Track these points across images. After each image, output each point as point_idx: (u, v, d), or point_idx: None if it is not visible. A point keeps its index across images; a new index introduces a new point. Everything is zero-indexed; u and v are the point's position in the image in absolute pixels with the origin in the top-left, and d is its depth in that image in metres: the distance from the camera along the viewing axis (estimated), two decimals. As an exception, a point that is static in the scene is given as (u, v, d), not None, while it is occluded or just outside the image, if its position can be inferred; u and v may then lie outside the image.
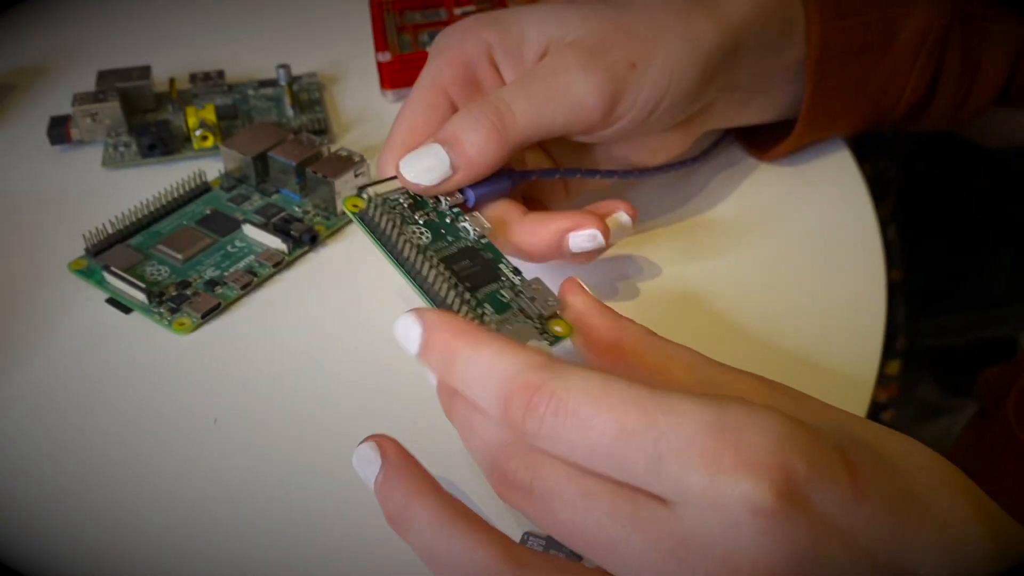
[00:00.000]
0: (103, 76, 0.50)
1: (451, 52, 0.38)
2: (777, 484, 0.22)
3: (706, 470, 0.22)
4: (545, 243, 0.35)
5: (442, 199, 0.35)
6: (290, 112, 0.50)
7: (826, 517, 0.22)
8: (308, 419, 0.35)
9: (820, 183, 0.46)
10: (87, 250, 0.41)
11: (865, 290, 0.41)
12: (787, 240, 0.43)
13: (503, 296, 0.33)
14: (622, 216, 0.37)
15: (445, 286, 0.32)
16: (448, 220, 0.35)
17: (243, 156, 0.44)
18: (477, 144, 0.35)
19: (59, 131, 0.48)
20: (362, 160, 0.43)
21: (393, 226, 0.33)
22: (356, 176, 0.43)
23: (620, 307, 0.37)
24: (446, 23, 0.55)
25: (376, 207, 0.34)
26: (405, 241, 0.33)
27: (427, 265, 0.32)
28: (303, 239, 0.42)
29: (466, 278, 0.33)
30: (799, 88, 0.44)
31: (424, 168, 0.34)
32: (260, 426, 0.35)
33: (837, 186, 0.46)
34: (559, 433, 0.23)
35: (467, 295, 0.32)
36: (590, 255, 0.37)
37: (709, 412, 0.23)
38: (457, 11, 0.56)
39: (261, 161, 0.44)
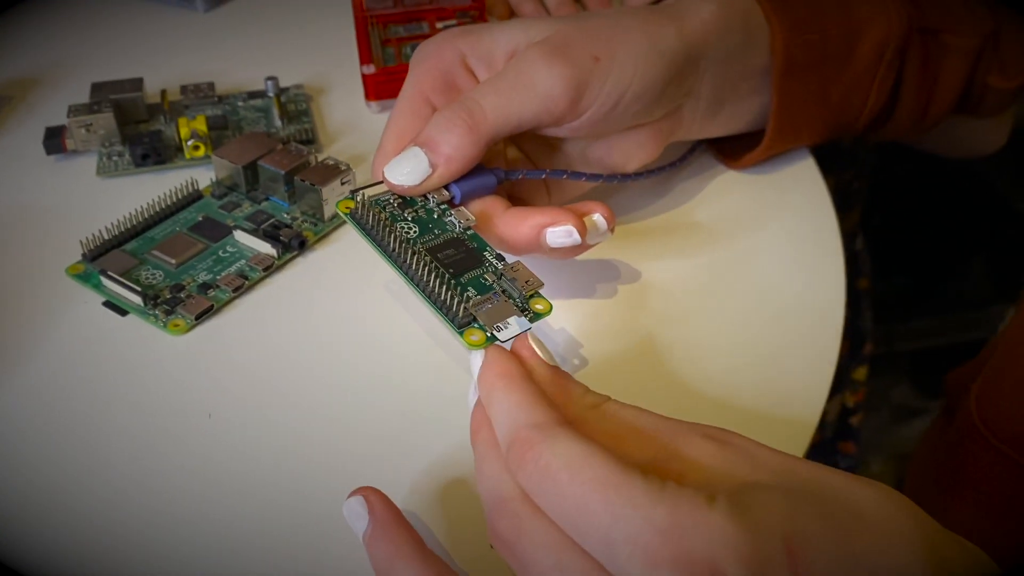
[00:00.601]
0: (97, 88, 0.52)
1: (429, 62, 0.40)
2: None
3: (646, 568, 0.24)
4: (524, 236, 0.38)
5: (430, 197, 0.38)
6: (278, 123, 0.52)
7: None
8: (298, 415, 0.37)
9: (786, 193, 0.48)
10: (84, 255, 0.43)
11: (826, 297, 0.42)
12: (753, 246, 0.45)
13: (486, 280, 0.35)
14: (597, 217, 0.39)
15: (429, 273, 0.34)
16: (435, 216, 0.37)
17: (234, 165, 0.46)
18: (452, 142, 0.37)
19: (54, 141, 0.50)
20: (348, 168, 0.45)
21: (381, 223, 0.36)
22: (343, 184, 0.45)
23: (592, 306, 0.39)
24: (428, 36, 0.57)
25: (366, 207, 0.36)
26: (392, 235, 0.35)
27: (412, 255, 0.35)
28: (292, 244, 0.44)
29: (450, 265, 0.35)
30: (763, 99, 0.46)
31: (406, 171, 0.37)
32: (252, 422, 0.37)
33: (802, 197, 0.48)
34: (540, 490, 0.26)
35: (451, 281, 0.35)
36: (568, 251, 0.39)
37: (660, 508, 0.24)
38: (439, 24, 0.58)
39: (251, 170, 0.46)
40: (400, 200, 0.38)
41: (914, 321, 1.22)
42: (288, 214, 0.46)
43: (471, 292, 0.34)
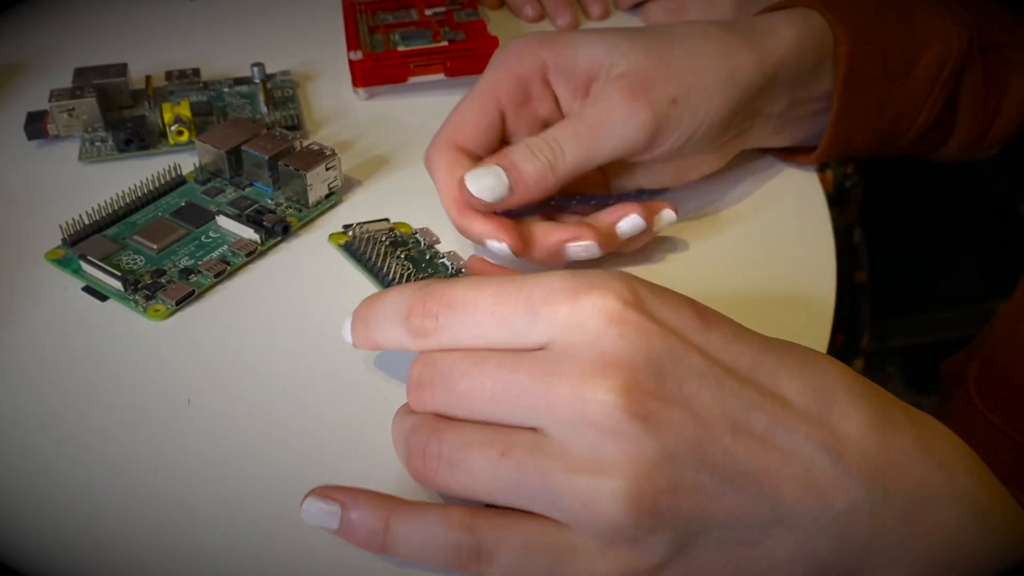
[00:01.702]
0: (80, 73, 0.51)
1: (508, 65, 0.42)
2: (625, 295, 0.27)
3: (568, 302, 0.27)
4: (546, 251, 0.40)
5: (420, 239, 0.41)
6: (264, 109, 0.52)
7: (676, 332, 0.27)
8: (279, 402, 0.36)
9: (779, 184, 0.47)
10: (64, 240, 0.42)
11: (817, 290, 0.42)
12: (747, 238, 0.45)
13: None
14: (665, 212, 0.41)
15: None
16: (428, 257, 0.40)
17: (217, 150, 0.45)
18: (533, 176, 0.39)
19: (36, 126, 0.49)
20: (333, 154, 0.45)
21: (378, 255, 0.39)
22: (327, 169, 0.45)
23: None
24: (417, 24, 0.57)
25: (361, 240, 0.39)
26: (388, 264, 0.38)
27: (405, 279, 0.37)
28: (275, 230, 0.43)
29: None
30: (821, 119, 0.45)
31: (487, 186, 0.38)
32: (232, 408, 0.36)
33: (794, 188, 0.47)
34: (452, 321, 0.29)
35: None
36: (633, 241, 0.41)
37: (567, 272, 0.28)
38: (428, 12, 0.57)
39: (235, 155, 0.46)
40: (391, 240, 0.41)
41: (908, 317, 1.22)
42: (272, 200, 0.45)
43: None
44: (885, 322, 1.18)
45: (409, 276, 0.38)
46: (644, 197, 0.43)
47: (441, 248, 0.42)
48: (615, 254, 0.41)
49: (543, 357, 0.27)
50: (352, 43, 0.54)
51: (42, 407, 0.36)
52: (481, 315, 0.28)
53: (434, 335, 0.29)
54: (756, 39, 0.42)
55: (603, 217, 0.40)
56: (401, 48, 0.54)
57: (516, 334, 0.28)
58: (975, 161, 0.51)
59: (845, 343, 0.86)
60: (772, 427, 0.26)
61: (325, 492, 0.30)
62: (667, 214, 0.41)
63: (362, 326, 0.32)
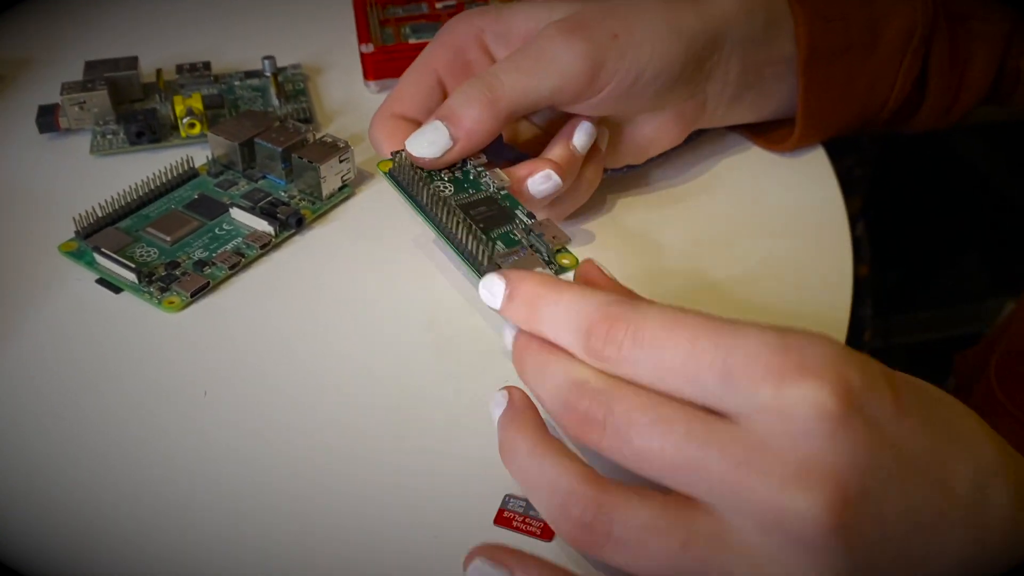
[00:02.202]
0: (91, 66, 0.51)
1: (444, 36, 0.42)
2: (839, 391, 0.24)
3: (773, 382, 0.24)
4: (514, 190, 0.39)
5: (467, 160, 0.39)
6: (275, 102, 0.52)
7: (877, 426, 0.25)
8: (294, 393, 0.36)
9: (793, 177, 0.47)
10: (77, 232, 0.42)
11: (832, 284, 0.41)
12: (758, 230, 0.44)
13: (515, 235, 0.36)
14: (577, 140, 0.40)
15: (458, 225, 0.35)
16: (472, 177, 0.39)
17: (230, 142, 0.45)
18: (473, 116, 0.38)
19: (47, 119, 0.49)
20: (346, 146, 0.45)
21: (419, 179, 0.38)
22: (341, 161, 0.44)
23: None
24: (427, 17, 0.56)
25: (404, 166, 0.38)
26: (427, 191, 0.37)
27: (445, 210, 0.36)
28: (289, 222, 0.43)
29: (480, 220, 0.36)
30: (788, 85, 0.45)
31: (427, 141, 0.38)
32: (248, 400, 0.36)
33: (809, 181, 0.47)
34: (636, 356, 0.26)
35: (480, 234, 0.36)
36: (552, 197, 0.40)
37: (771, 334, 0.25)
38: (438, 5, 0.57)
39: (248, 147, 0.45)
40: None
41: (911, 314, 1.22)
42: (285, 192, 0.45)
43: (500, 246, 0.36)
44: (890, 319, 1.18)
45: (447, 199, 0.37)
46: (609, 174, 0.44)
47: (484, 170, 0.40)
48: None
49: (739, 438, 0.25)
50: (363, 36, 0.54)
51: (57, 399, 0.36)
52: (671, 361, 0.25)
53: (614, 364, 0.26)
54: (699, 1, 0.42)
55: (555, 142, 0.40)
56: (412, 41, 0.54)
57: (707, 394, 0.25)
58: (942, 130, 0.50)
59: (848, 338, 0.86)
60: (938, 520, 0.26)
61: (493, 554, 0.27)
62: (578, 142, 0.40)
63: (526, 309, 0.29)
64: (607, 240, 0.43)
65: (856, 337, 0.89)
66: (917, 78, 0.46)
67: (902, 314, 1.20)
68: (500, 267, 0.34)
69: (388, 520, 0.32)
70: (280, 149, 0.44)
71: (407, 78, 0.42)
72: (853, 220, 0.87)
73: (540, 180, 0.39)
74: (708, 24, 0.41)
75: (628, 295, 0.31)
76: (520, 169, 0.39)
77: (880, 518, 0.24)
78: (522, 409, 0.29)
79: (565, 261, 0.36)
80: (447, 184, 0.38)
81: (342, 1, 0.58)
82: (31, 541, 0.31)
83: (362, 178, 0.46)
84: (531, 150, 0.42)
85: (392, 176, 0.38)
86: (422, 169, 0.38)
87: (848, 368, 0.24)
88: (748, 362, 0.24)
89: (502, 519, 0.31)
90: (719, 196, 0.46)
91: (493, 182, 0.38)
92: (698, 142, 0.48)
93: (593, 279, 0.32)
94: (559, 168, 0.39)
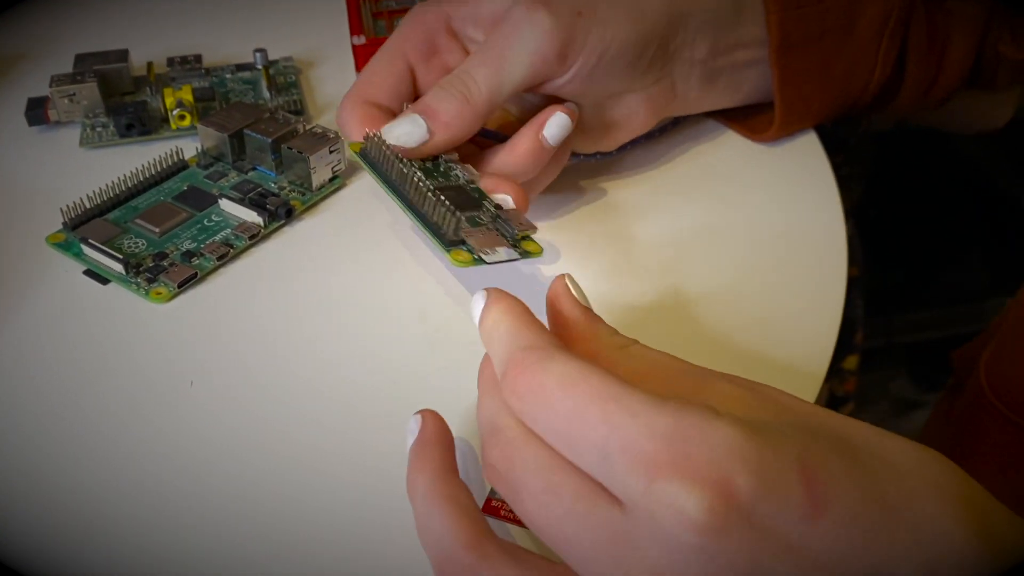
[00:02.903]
0: (80, 59, 0.51)
1: (412, 21, 0.42)
2: (714, 500, 0.21)
3: (644, 476, 0.22)
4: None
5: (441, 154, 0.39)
6: (267, 94, 0.51)
7: (773, 534, 0.22)
8: (282, 385, 0.36)
9: (790, 175, 0.47)
10: (65, 223, 0.42)
11: (823, 283, 0.41)
12: (751, 227, 0.44)
13: (481, 219, 0.36)
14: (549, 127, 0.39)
15: (427, 199, 0.35)
16: (442, 168, 0.39)
17: (220, 134, 0.45)
18: (450, 112, 0.38)
19: (37, 112, 0.49)
20: (337, 137, 0.44)
21: (389, 159, 0.37)
22: (331, 152, 0.44)
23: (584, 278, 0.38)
24: (421, 9, 0.56)
25: (374, 146, 0.38)
26: (397, 170, 0.37)
27: (413, 188, 0.36)
28: (279, 213, 0.42)
29: (450, 200, 0.36)
30: (762, 70, 0.45)
31: (404, 132, 0.38)
32: (235, 390, 0.35)
33: (806, 179, 0.46)
34: (530, 410, 0.25)
35: (448, 207, 0.35)
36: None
37: (662, 416, 0.22)
38: (432, -2, 0.57)
39: (237, 139, 0.45)
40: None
41: (912, 313, 1.22)
42: (275, 183, 0.45)
43: (465, 223, 0.35)
44: (888, 318, 1.18)
45: (419, 180, 0.37)
46: (579, 159, 0.44)
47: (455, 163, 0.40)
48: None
49: (615, 529, 0.23)
50: (355, 28, 0.53)
51: (44, 390, 0.35)
52: (560, 426, 0.24)
53: (518, 413, 0.25)
54: None
55: (525, 130, 0.39)
56: (405, 33, 0.53)
57: (591, 469, 0.24)
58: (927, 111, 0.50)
59: (838, 339, 0.85)
60: None
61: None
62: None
63: (485, 334, 0.28)
64: (585, 238, 0.43)
65: (847, 337, 0.89)
66: (896, 60, 0.46)
67: (902, 314, 1.20)
68: (464, 240, 0.35)
69: (375, 508, 0.31)
70: (270, 140, 0.44)
71: (376, 62, 0.41)
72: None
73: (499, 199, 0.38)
74: (671, 5, 0.41)
75: (587, 322, 0.30)
76: (486, 184, 0.38)
77: None
78: (430, 441, 0.29)
79: (529, 247, 0.36)
80: (417, 172, 0.37)
81: (335, -6, 0.58)
82: (15, 529, 0.31)
83: (352, 170, 0.46)
84: (506, 131, 0.42)
85: (364, 155, 0.38)
86: (392, 152, 0.38)
87: (739, 471, 0.22)
88: (626, 447, 0.22)
89: (490, 508, 0.30)
90: (709, 190, 0.45)
91: (463, 174, 0.38)
92: (695, 136, 0.47)
93: (557, 298, 0.30)
94: (519, 195, 0.38)
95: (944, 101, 0.49)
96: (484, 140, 0.42)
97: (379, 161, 0.38)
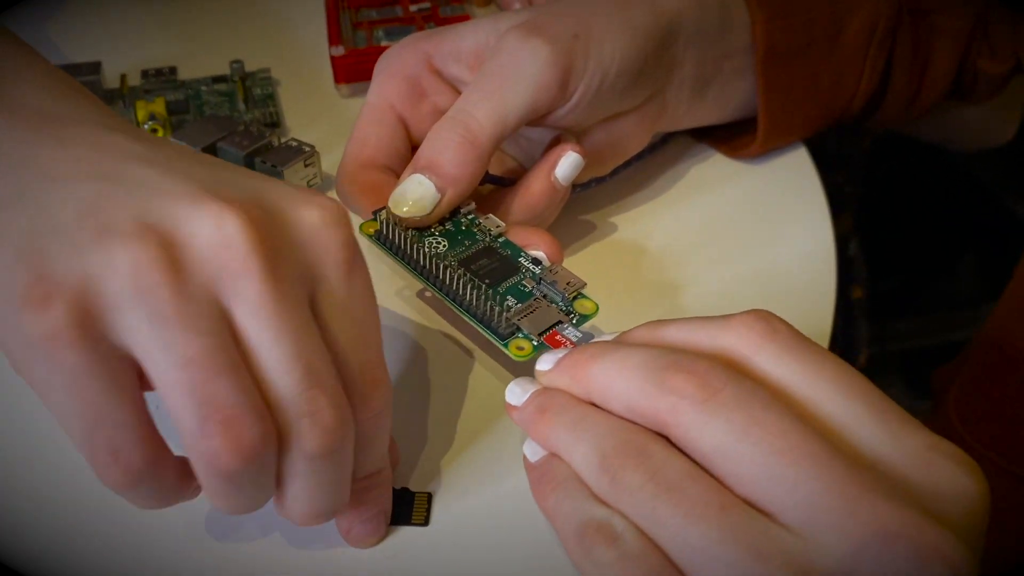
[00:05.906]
0: (52, 72, 0.50)
1: (391, 68, 0.39)
2: None
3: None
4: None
5: (458, 207, 0.36)
6: (242, 107, 0.50)
7: None
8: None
9: (781, 196, 0.46)
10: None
11: (815, 302, 0.40)
12: (742, 245, 0.43)
13: (525, 287, 0.34)
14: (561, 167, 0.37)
15: (464, 286, 0.33)
16: (463, 226, 0.36)
17: (192, 148, 0.44)
18: (455, 161, 0.35)
19: (6, 126, 0.48)
20: (312, 150, 0.43)
21: (408, 240, 0.34)
22: (306, 166, 0.43)
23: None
24: (402, 20, 0.55)
25: (390, 226, 0.35)
26: (420, 252, 0.34)
27: (444, 269, 0.33)
28: (252, 229, 0.41)
29: (485, 276, 0.34)
30: (749, 81, 0.44)
31: (413, 199, 0.35)
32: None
33: (797, 199, 0.46)
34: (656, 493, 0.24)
35: (488, 291, 0.33)
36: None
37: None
38: (413, 8, 0.56)
39: (210, 152, 0.44)
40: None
41: (906, 320, 1.21)
42: (249, 198, 0.43)
43: (511, 301, 0.33)
44: (883, 326, 1.17)
45: (443, 255, 0.34)
46: (578, 191, 0.42)
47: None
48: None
49: None
50: (334, 38, 0.52)
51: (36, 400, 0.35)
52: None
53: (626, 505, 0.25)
54: None
55: (535, 172, 0.38)
56: (385, 44, 0.53)
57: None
58: (946, 151, 0.50)
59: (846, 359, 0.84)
60: None
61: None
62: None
63: (542, 423, 0.28)
64: (586, 262, 0.42)
65: (850, 359, 0.87)
66: (883, 71, 0.45)
67: (897, 321, 1.19)
68: (519, 328, 0.32)
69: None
70: (243, 154, 0.43)
71: (363, 121, 0.39)
72: (845, 239, 0.86)
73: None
74: (660, 19, 0.40)
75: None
76: (514, 237, 0.36)
77: None
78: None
79: (584, 310, 0.33)
80: (440, 240, 0.35)
81: (315, 4, 0.57)
82: (15, 529, 0.31)
83: (329, 183, 0.45)
84: (501, 172, 0.40)
85: (378, 239, 0.35)
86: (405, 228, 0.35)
87: None
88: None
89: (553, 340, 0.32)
90: (696, 208, 0.45)
91: (489, 228, 0.36)
92: (681, 155, 0.46)
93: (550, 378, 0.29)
94: (553, 247, 0.36)
95: (924, 113, 0.49)
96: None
97: (397, 242, 0.35)
